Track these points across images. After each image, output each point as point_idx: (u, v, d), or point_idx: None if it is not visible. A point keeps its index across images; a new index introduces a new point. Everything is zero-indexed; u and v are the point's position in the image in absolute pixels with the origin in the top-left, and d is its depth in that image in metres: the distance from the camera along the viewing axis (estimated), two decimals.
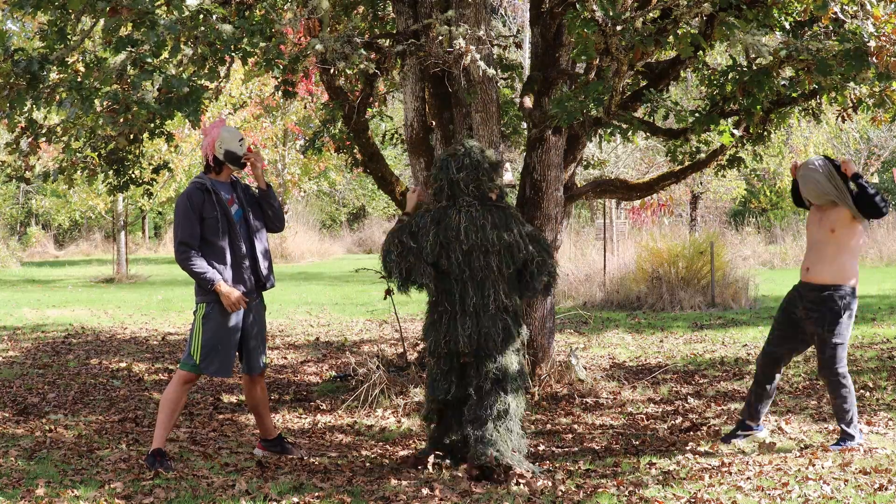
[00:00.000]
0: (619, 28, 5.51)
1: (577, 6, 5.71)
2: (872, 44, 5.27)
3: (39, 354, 9.74)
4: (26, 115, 6.14)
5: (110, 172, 7.58)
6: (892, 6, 5.44)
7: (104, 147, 7.24)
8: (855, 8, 5.39)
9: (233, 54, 5.66)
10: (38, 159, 7.03)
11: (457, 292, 5.36)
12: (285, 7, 7.61)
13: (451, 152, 5.48)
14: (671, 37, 5.82)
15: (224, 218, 5.42)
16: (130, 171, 7.67)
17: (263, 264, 5.58)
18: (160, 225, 37.95)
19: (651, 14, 6.23)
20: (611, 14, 5.50)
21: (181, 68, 6.22)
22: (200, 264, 5.33)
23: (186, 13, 5.35)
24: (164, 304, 14.95)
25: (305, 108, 24.63)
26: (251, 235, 5.55)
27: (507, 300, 5.38)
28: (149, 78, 5.34)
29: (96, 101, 5.69)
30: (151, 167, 7.96)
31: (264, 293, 5.73)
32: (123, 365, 9.07)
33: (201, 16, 5.49)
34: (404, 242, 5.40)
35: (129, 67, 5.54)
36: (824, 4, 5.23)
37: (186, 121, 5.69)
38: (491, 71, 6.46)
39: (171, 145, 9.19)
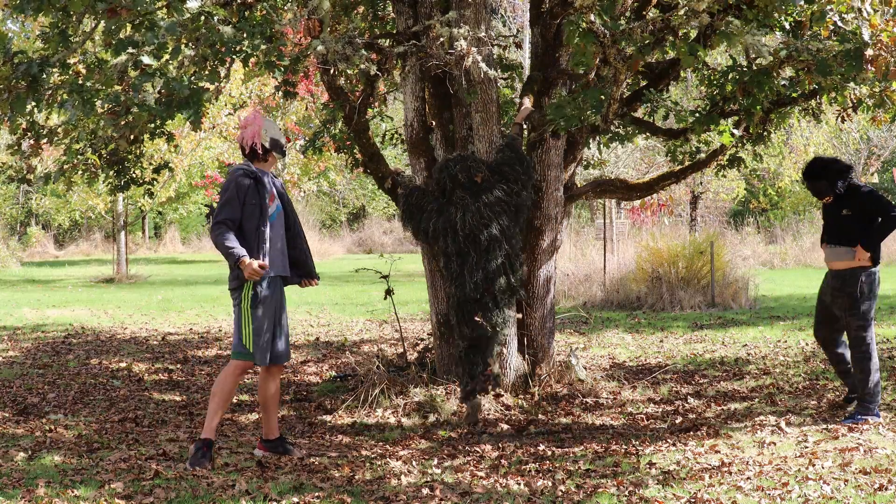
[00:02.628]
0: (616, 39, 5.50)
1: (575, 17, 5.70)
2: (870, 52, 5.29)
3: (39, 354, 9.74)
4: (27, 117, 6.14)
5: (111, 173, 7.58)
6: (891, 11, 5.45)
7: (104, 147, 7.24)
8: (853, 14, 5.39)
9: (234, 56, 5.65)
10: (39, 161, 7.03)
11: (455, 260, 6.54)
12: (285, 7, 7.60)
13: (449, 157, 6.66)
14: (668, 46, 5.82)
15: (264, 207, 5.49)
16: (131, 172, 7.67)
17: (294, 256, 5.73)
18: (160, 225, 37.96)
19: (649, 16, 6.22)
20: (609, 25, 5.49)
21: (182, 70, 6.22)
22: (232, 240, 5.36)
23: (187, 15, 5.34)
24: (164, 304, 14.95)
25: (307, 109, 24.63)
26: (290, 228, 5.68)
27: (509, 248, 6.58)
28: (149, 80, 5.34)
29: (97, 103, 5.69)
30: (152, 167, 7.95)
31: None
32: (123, 365, 9.08)
33: (202, 17, 5.48)
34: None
35: (129, 69, 5.54)
36: (822, 15, 5.24)
37: (186, 121, 5.69)
38: (493, 72, 6.46)
39: (171, 145, 9.19)
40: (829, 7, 5.26)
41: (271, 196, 5.57)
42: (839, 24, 5.40)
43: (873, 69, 5.31)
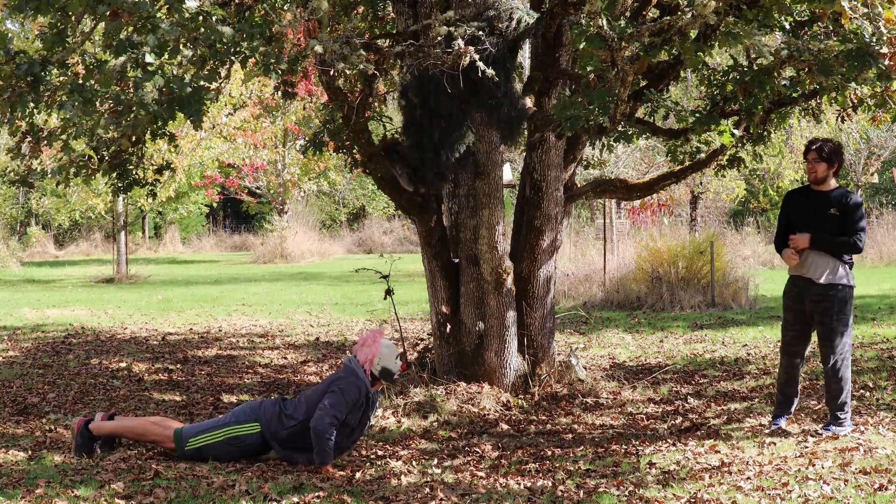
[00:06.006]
0: (624, 43, 5.49)
1: (583, 21, 5.68)
2: (885, 49, 5.27)
3: (39, 354, 9.74)
4: (27, 118, 6.12)
5: (113, 175, 7.57)
6: None
7: (106, 149, 7.23)
8: (864, 10, 5.36)
9: (232, 58, 5.64)
10: (39, 162, 7.02)
11: None
12: (285, 7, 7.60)
13: None
14: (676, 46, 5.81)
15: (356, 427, 5.64)
16: (133, 173, 7.66)
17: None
18: (160, 225, 37.96)
19: (651, 16, 6.21)
20: (616, 29, 5.47)
21: (182, 69, 6.21)
22: (332, 441, 5.46)
23: (186, 15, 5.33)
24: (164, 304, 14.95)
25: (304, 108, 24.62)
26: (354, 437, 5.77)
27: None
28: (150, 78, 5.32)
29: (97, 103, 5.67)
30: (153, 168, 7.95)
31: None
32: (123, 365, 9.07)
33: (201, 17, 5.47)
34: None
35: (129, 69, 5.53)
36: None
37: (186, 120, 5.68)
38: (490, 71, 6.45)
39: (172, 145, 9.18)
40: None
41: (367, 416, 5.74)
42: (847, 9, 5.32)
43: (890, 62, 5.29)
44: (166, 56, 5.58)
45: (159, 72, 5.38)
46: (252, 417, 5.62)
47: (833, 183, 6.20)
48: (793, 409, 6.37)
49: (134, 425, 5.80)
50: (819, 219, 6.12)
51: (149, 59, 5.23)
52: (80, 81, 5.51)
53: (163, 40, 5.15)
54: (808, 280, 6.15)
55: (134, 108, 5.46)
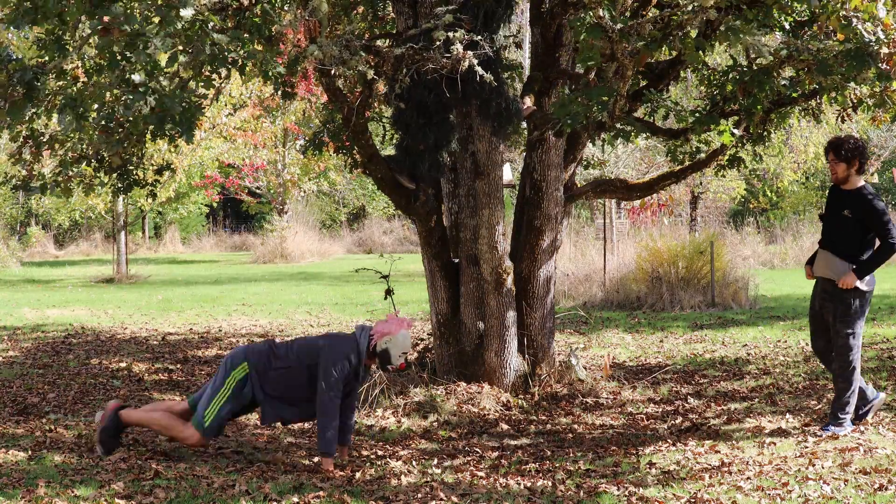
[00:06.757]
0: (625, 35, 5.48)
1: (584, 12, 5.68)
2: (885, 50, 5.28)
3: (39, 354, 9.74)
4: (26, 124, 6.12)
5: (114, 175, 7.57)
6: None
7: (107, 155, 7.23)
8: (866, 15, 5.37)
9: (228, 66, 5.62)
10: (41, 167, 7.02)
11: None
12: (285, 8, 7.60)
13: None
14: (676, 42, 5.81)
15: (345, 397, 5.62)
16: (134, 174, 7.65)
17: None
18: (160, 225, 37.96)
19: (652, 14, 6.20)
20: (618, 22, 5.47)
21: (175, 82, 6.19)
22: (335, 422, 5.45)
23: (181, 25, 5.29)
24: (164, 304, 14.95)
25: (304, 113, 24.63)
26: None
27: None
28: (141, 99, 5.30)
29: (91, 117, 5.66)
30: (153, 168, 7.94)
31: None
32: (123, 365, 9.07)
33: (197, 25, 5.44)
34: None
35: (121, 84, 5.52)
36: (834, 11, 5.21)
37: (180, 137, 5.65)
38: (489, 76, 6.45)
39: (172, 145, 9.18)
40: (841, 4, 5.23)
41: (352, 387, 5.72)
42: (850, 15, 5.34)
43: (889, 67, 5.31)
44: (163, 64, 5.56)
45: (149, 90, 5.37)
46: (241, 358, 5.61)
47: (857, 182, 6.14)
48: (868, 405, 6.27)
49: (159, 418, 5.74)
50: (834, 218, 6.15)
51: (137, 79, 5.21)
52: (74, 97, 5.50)
53: (153, 58, 5.13)
54: (821, 278, 6.20)
55: (124, 126, 5.45)
